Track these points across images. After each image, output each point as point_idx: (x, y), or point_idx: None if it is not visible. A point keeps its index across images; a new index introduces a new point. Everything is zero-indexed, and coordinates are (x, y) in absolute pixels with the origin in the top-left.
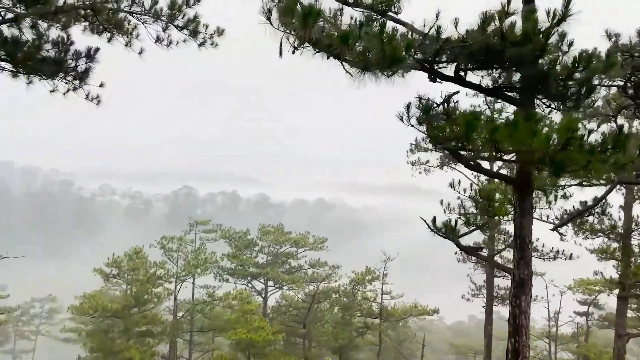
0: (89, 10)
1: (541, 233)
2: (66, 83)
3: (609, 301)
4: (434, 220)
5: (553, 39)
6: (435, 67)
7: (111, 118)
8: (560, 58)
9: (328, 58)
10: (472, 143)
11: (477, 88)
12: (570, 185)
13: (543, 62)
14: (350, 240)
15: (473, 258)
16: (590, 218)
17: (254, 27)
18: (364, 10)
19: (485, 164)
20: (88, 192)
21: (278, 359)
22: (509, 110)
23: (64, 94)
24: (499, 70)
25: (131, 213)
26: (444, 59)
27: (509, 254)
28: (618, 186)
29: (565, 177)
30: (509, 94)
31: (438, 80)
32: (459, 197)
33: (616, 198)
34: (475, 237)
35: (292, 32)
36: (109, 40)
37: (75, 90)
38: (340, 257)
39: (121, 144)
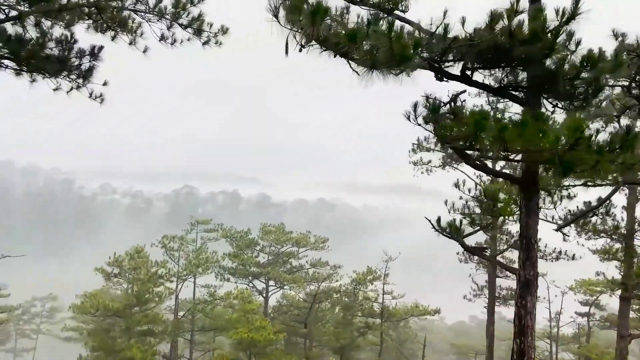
0: (92, 8)
1: (543, 233)
2: (69, 81)
3: (611, 302)
4: (438, 220)
5: (560, 37)
6: (443, 66)
7: (113, 117)
8: (569, 57)
9: (335, 56)
10: (481, 142)
11: (484, 87)
12: (575, 186)
13: (551, 61)
14: (350, 240)
15: (475, 258)
16: (594, 218)
17: (256, 27)
18: (371, 9)
19: (488, 164)
20: (89, 191)
21: (279, 359)
22: (512, 111)
23: (68, 92)
24: (505, 70)
25: (132, 212)
26: (451, 57)
27: (511, 254)
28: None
29: (572, 177)
30: (515, 93)
31: (445, 79)
32: (461, 197)
33: (619, 199)
34: (476, 238)
35: (300, 30)
36: (113, 38)
37: (78, 88)
38: (341, 256)
39: (122, 143)
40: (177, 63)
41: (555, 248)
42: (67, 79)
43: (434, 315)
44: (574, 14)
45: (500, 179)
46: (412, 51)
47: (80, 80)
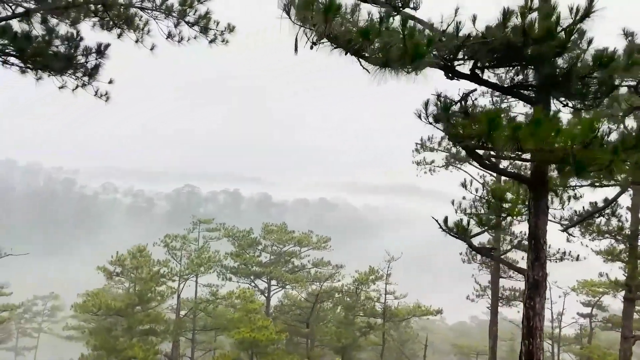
0: (99, 6)
1: (547, 234)
2: (75, 79)
3: (613, 303)
4: (445, 220)
5: (573, 36)
6: (454, 65)
7: (111, 117)
8: (582, 56)
9: (346, 54)
10: (494, 141)
11: (493, 86)
12: (582, 186)
13: (563, 60)
14: (350, 240)
15: (478, 259)
16: (598, 219)
17: (255, 27)
18: (381, 7)
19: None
20: (90, 191)
21: (281, 359)
22: (514, 111)
23: (73, 90)
24: (516, 68)
25: (133, 211)
26: (462, 56)
27: (514, 254)
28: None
29: (583, 177)
30: (524, 92)
31: (455, 78)
32: (464, 197)
33: (623, 199)
34: (478, 238)
35: (312, 28)
36: (119, 36)
37: (84, 86)
38: (341, 256)
39: (121, 143)
40: (176, 63)
41: (559, 249)
42: (73, 76)
43: (436, 316)
44: (588, 12)
45: (506, 179)
46: (425, 48)
47: (85, 78)
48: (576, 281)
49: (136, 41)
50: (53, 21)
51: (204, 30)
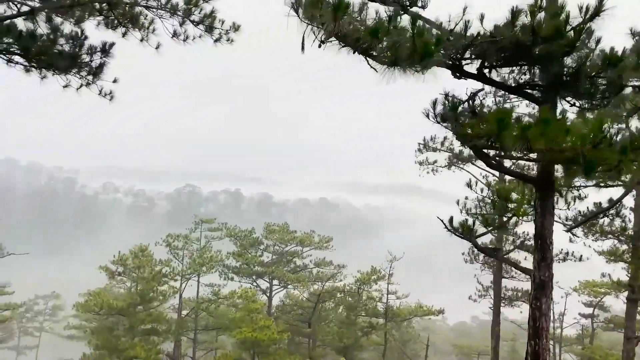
0: (104, 5)
1: None
2: (79, 78)
3: (615, 303)
4: (450, 220)
5: (582, 35)
6: (463, 64)
7: (112, 117)
8: (592, 55)
9: (354, 53)
10: (504, 141)
11: (500, 85)
12: (586, 186)
13: (571, 59)
14: (351, 240)
15: (481, 259)
16: (601, 220)
17: (258, 26)
18: (389, 6)
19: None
20: (91, 190)
21: (283, 359)
22: (518, 111)
23: (77, 89)
24: (523, 68)
25: (134, 211)
26: (469, 55)
27: (516, 255)
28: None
29: (589, 177)
30: (531, 92)
31: (462, 77)
32: (467, 197)
33: (626, 200)
34: (480, 238)
35: (320, 26)
36: (124, 35)
37: (88, 85)
38: (342, 256)
39: (122, 143)
40: (181, 62)
41: (562, 249)
42: (77, 75)
43: (438, 316)
44: (598, 11)
45: (511, 179)
46: (434, 47)
47: (90, 77)
48: (578, 281)
49: (141, 40)
50: (57, 20)
51: (209, 29)
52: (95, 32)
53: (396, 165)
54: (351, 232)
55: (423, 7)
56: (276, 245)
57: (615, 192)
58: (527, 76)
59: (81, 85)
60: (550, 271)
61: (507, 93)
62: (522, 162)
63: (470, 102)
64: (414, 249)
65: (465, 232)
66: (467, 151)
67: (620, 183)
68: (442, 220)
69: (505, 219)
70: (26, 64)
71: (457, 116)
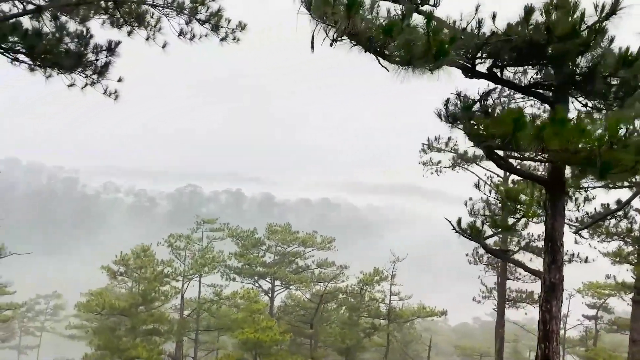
0: (110, 3)
1: None
2: (85, 77)
3: (618, 305)
4: (459, 221)
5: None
6: (476, 63)
7: (111, 117)
8: (607, 54)
9: (366, 52)
10: (519, 142)
11: (511, 85)
12: (594, 187)
13: (585, 59)
14: (351, 240)
15: (485, 260)
16: (607, 221)
17: (259, 26)
18: (400, 4)
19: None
20: (92, 190)
21: (284, 359)
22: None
23: (82, 88)
24: (535, 67)
25: (134, 211)
26: (480, 54)
27: (521, 256)
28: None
29: (606, 179)
30: (542, 92)
31: (475, 77)
32: (470, 198)
33: (633, 201)
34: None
35: (332, 24)
36: (129, 34)
37: (93, 85)
38: (343, 256)
39: (121, 142)
40: (187, 61)
41: (567, 250)
42: (82, 74)
43: (440, 317)
44: (614, 9)
45: (516, 179)
46: (448, 46)
47: (95, 77)
48: (582, 283)
49: (147, 39)
50: (62, 18)
51: (215, 28)
52: (100, 30)
53: (392, 165)
54: (351, 232)
55: (435, 5)
56: (278, 245)
57: (624, 193)
58: (538, 76)
59: (86, 85)
60: (561, 273)
61: (511, 93)
62: (526, 163)
63: (483, 101)
64: (414, 248)
65: (473, 233)
66: (471, 152)
67: (627, 184)
68: (450, 222)
69: (514, 220)
70: (31, 62)
71: (470, 116)
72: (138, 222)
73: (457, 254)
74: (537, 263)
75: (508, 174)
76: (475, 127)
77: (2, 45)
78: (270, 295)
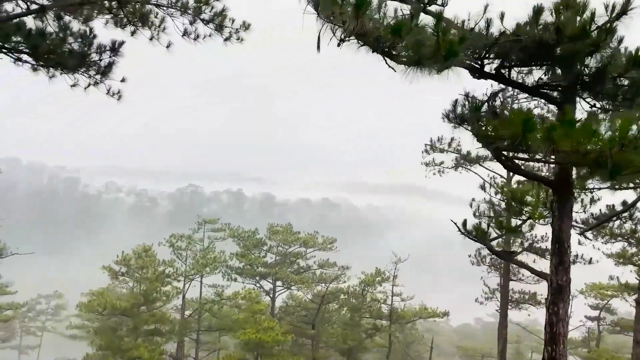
0: (114, 2)
1: None
2: (88, 77)
3: (621, 306)
4: (464, 223)
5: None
6: (484, 63)
7: (113, 117)
8: (617, 55)
9: (373, 52)
10: (529, 143)
11: (518, 86)
12: (600, 189)
13: (595, 59)
14: (351, 240)
15: (488, 261)
16: (611, 222)
17: (261, 26)
18: (408, 4)
19: (500, 166)
20: (94, 190)
21: None
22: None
23: (85, 88)
24: (543, 68)
25: (135, 211)
26: (489, 55)
27: (524, 257)
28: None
29: (617, 180)
30: (549, 92)
31: (482, 77)
32: (474, 199)
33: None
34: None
35: (340, 24)
36: (133, 34)
37: (96, 85)
38: (344, 256)
39: (122, 142)
40: (177, 62)
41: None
42: (86, 74)
43: (442, 318)
44: (625, 9)
45: (520, 180)
46: (458, 46)
47: (98, 77)
48: (584, 284)
49: (150, 39)
50: (65, 18)
51: (219, 27)
52: (102, 30)
53: (396, 165)
54: (351, 232)
55: (443, 4)
56: (279, 246)
57: (629, 194)
58: (545, 76)
59: (89, 85)
60: (568, 275)
61: (514, 94)
62: (529, 164)
63: (491, 102)
64: (414, 249)
65: (479, 235)
66: (475, 152)
67: (633, 185)
68: (455, 223)
69: (519, 221)
70: (34, 62)
71: (479, 117)
72: (139, 222)
73: (458, 254)
74: (541, 264)
75: (511, 174)
76: (483, 128)
77: (5, 46)
78: (271, 295)
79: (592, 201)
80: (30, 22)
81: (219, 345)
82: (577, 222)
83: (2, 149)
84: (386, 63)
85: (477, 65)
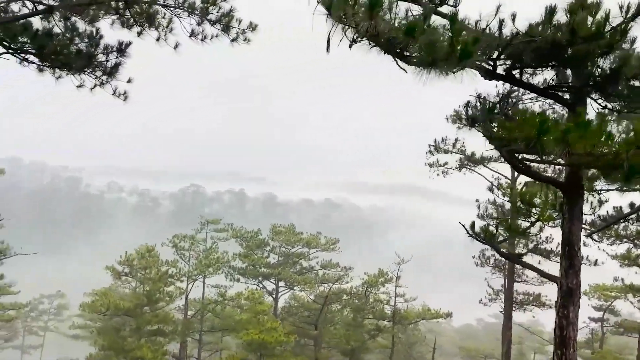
0: (120, 3)
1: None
2: (94, 78)
3: (624, 307)
4: (472, 225)
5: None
6: (497, 64)
7: (111, 117)
8: (631, 56)
9: (385, 53)
10: (544, 145)
11: (529, 87)
12: (607, 190)
13: (609, 60)
14: (352, 240)
15: (492, 262)
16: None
17: (262, 26)
18: (419, 5)
19: (506, 167)
20: (95, 189)
21: None
22: None
23: (91, 89)
24: (554, 69)
25: (136, 211)
26: (500, 55)
27: (528, 258)
28: None
29: (632, 183)
30: (560, 94)
31: (494, 78)
32: (477, 200)
33: None
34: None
35: (352, 25)
36: (139, 34)
37: (102, 85)
38: (345, 256)
39: (121, 142)
40: (177, 62)
41: None
42: (92, 75)
43: (446, 319)
44: None
45: (527, 181)
46: (472, 47)
47: (104, 77)
48: (588, 285)
49: (157, 39)
50: (72, 19)
51: (226, 28)
52: (108, 31)
53: (393, 165)
54: (353, 232)
55: (455, 5)
56: (282, 246)
57: (636, 196)
58: (556, 77)
59: (95, 85)
60: (578, 278)
61: (520, 95)
62: (533, 165)
63: (504, 104)
64: (414, 249)
65: (487, 237)
66: (479, 153)
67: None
68: (463, 226)
69: (528, 223)
70: (40, 63)
71: (491, 119)
72: (140, 222)
73: (459, 254)
74: (545, 266)
75: (516, 175)
76: (495, 129)
77: (12, 46)
78: (274, 296)
79: (600, 203)
80: (36, 22)
81: (222, 345)
82: (584, 224)
83: (2, 149)
84: (397, 64)
85: (489, 67)
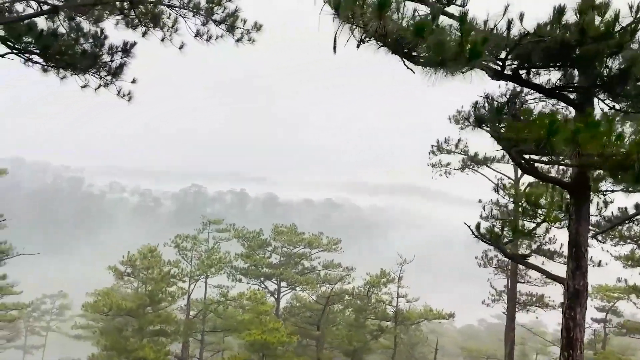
0: (125, 3)
1: (565, 239)
2: (99, 78)
3: (627, 308)
4: (477, 226)
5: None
6: (506, 64)
7: (113, 117)
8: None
9: (393, 53)
10: (554, 146)
11: (535, 88)
12: (613, 191)
13: (618, 61)
14: (353, 240)
15: (494, 262)
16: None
17: (264, 26)
18: (427, 6)
19: (509, 167)
20: (96, 190)
21: None
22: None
23: (96, 89)
24: (562, 69)
25: (137, 211)
26: (509, 55)
27: (534, 259)
28: None
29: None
30: (567, 94)
31: (501, 79)
32: (480, 201)
33: None
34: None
35: (360, 25)
36: (144, 34)
37: (107, 86)
38: (347, 256)
39: (123, 142)
40: (179, 62)
41: None
42: (97, 75)
43: (448, 320)
44: None
45: (531, 181)
46: (481, 47)
47: (109, 78)
48: (590, 286)
49: (162, 40)
50: (77, 19)
51: (231, 28)
52: (112, 31)
53: (396, 165)
54: (353, 232)
55: (463, 5)
56: (284, 246)
57: None
58: (564, 78)
59: (99, 86)
60: (585, 280)
61: (526, 96)
62: (538, 165)
63: (512, 104)
64: (414, 249)
65: (493, 238)
66: (482, 154)
67: None
68: (469, 227)
69: (534, 224)
70: (44, 63)
71: (500, 119)
72: (142, 222)
73: (459, 254)
74: (549, 266)
75: (519, 176)
76: (503, 130)
77: (16, 46)
78: (276, 296)
79: (606, 203)
80: (41, 23)
81: (224, 346)
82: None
83: (4, 149)
84: (404, 64)
85: (497, 67)
